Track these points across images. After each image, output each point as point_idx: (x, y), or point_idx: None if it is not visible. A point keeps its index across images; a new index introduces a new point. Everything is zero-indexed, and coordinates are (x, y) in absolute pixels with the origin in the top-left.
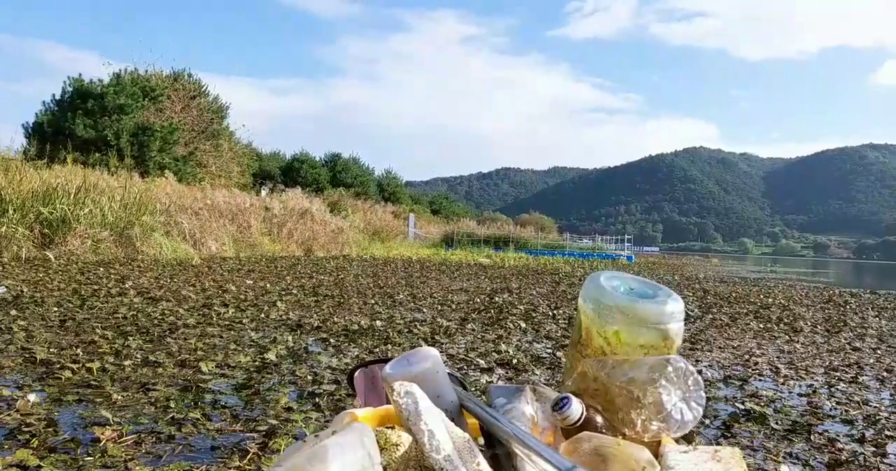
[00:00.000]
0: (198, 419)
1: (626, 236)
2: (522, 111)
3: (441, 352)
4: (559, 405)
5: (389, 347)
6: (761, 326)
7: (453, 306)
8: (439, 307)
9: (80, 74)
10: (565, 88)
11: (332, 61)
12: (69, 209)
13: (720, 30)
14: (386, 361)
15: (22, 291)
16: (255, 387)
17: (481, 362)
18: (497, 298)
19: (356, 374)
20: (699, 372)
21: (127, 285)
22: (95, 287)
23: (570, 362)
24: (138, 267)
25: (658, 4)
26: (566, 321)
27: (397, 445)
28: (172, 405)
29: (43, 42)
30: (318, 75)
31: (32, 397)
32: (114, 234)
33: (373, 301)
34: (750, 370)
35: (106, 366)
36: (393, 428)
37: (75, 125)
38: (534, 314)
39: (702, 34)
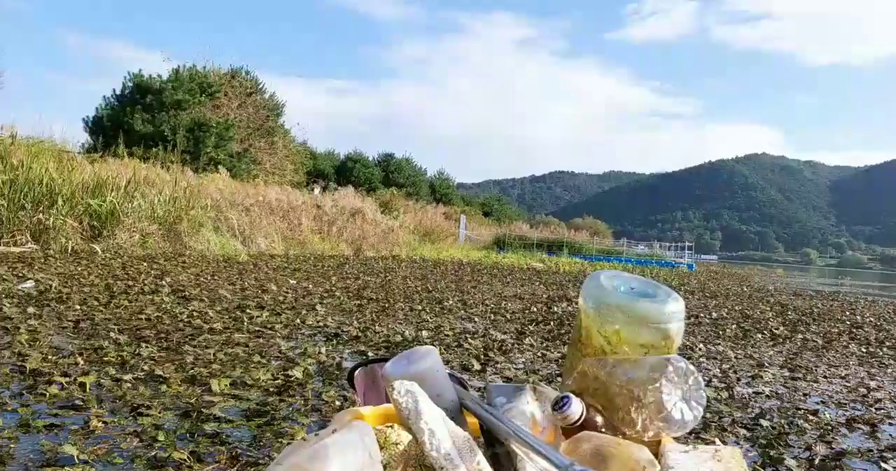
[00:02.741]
0: (184, 461)
1: (687, 244)
2: (577, 114)
3: (496, 373)
4: (559, 405)
5: None
6: (863, 350)
7: (508, 316)
8: (492, 317)
9: (139, 70)
10: (622, 92)
11: (386, 63)
12: (118, 202)
13: (787, 33)
14: (386, 360)
15: (51, 286)
16: (269, 414)
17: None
18: (556, 308)
19: (356, 372)
20: (815, 412)
21: (163, 282)
22: (130, 283)
23: (570, 362)
24: (182, 263)
25: (721, 6)
26: None
27: (397, 443)
28: (161, 438)
29: (114, 41)
30: (373, 77)
31: None
32: (162, 228)
33: (420, 307)
34: (873, 410)
35: (102, 380)
36: (393, 427)
37: (133, 120)
38: None
39: (767, 37)
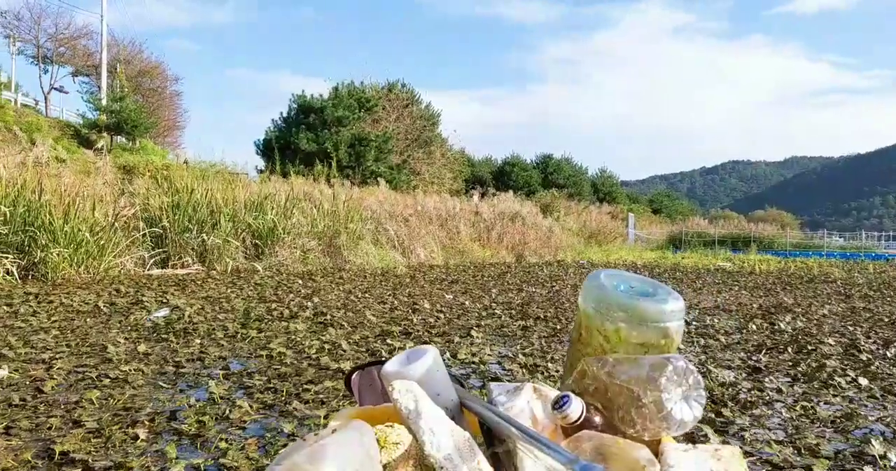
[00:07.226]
0: None
1: None
2: (747, 99)
3: (745, 444)
4: (559, 404)
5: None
6: None
7: (722, 339)
8: (701, 341)
9: (302, 91)
10: (796, 70)
11: (534, 67)
12: (277, 219)
13: None
14: (384, 362)
15: (183, 314)
16: None
17: None
18: (779, 323)
19: (353, 376)
20: None
21: (309, 304)
22: (274, 306)
23: (570, 361)
24: (339, 278)
25: None
26: None
27: (397, 443)
28: None
29: (280, 73)
30: (522, 82)
31: None
32: (322, 243)
33: None
34: None
35: None
36: (393, 426)
37: (299, 139)
38: (858, 354)
39: None
